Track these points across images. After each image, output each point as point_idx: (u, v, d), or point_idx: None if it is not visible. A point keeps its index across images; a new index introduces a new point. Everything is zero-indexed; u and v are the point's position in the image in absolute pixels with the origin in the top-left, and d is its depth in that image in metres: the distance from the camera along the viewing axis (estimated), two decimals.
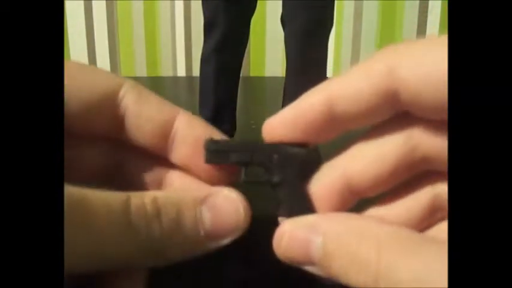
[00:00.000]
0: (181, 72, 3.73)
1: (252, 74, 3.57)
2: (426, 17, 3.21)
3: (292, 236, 0.17)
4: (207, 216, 0.18)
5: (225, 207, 0.18)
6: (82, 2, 3.33)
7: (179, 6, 3.45)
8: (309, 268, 0.17)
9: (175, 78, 3.72)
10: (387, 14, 3.27)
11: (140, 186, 0.21)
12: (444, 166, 0.18)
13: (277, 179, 0.19)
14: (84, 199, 0.15)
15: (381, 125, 0.19)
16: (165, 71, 3.73)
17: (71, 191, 0.15)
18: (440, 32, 3.16)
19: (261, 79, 3.53)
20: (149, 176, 0.21)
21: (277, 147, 0.19)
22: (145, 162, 0.21)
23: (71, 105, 0.18)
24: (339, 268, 0.16)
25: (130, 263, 0.17)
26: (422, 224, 0.19)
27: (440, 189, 0.19)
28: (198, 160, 0.20)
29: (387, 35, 3.30)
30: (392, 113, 0.18)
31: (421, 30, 3.24)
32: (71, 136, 0.20)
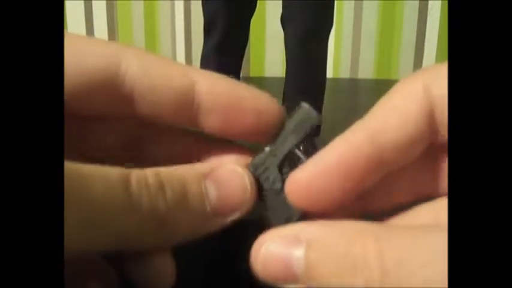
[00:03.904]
0: None
1: (252, 74, 3.57)
2: (426, 17, 3.21)
3: (269, 250, 0.16)
4: (212, 191, 0.17)
5: (231, 181, 0.17)
6: (82, 2, 3.33)
7: (179, 6, 3.45)
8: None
9: None
10: (387, 14, 3.27)
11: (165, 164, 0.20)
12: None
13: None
14: (80, 173, 0.14)
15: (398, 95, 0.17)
16: None
17: (67, 167, 0.14)
18: (440, 32, 3.16)
19: (261, 79, 3.53)
20: (174, 153, 0.20)
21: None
22: (168, 139, 0.20)
23: (67, 89, 0.17)
24: (328, 276, 0.15)
25: (134, 242, 0.16)
26: None
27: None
28: (235, 129, 0.18)
29: (387, 35, 3.30)
30: (429, 141, 0.17)
31: (421, 30, 3.24)
32: (77, 118, 0.18)
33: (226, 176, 0.17)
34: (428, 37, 3.23)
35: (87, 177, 0.14)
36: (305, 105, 0.18)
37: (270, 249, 0.16)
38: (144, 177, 0.16)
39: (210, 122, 0.18)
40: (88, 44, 0.18)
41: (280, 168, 0.18)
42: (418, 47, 3.26)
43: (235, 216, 0.17)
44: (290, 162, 0.18)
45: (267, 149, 0.19)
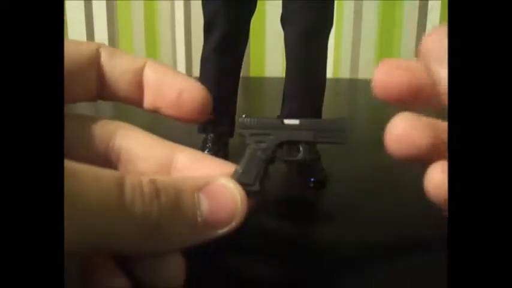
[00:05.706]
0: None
1: (252, 74, 3.57)
2: (426, 17, 3.21)
3: (412, 126, 0.17)
4: (204, 204, 0.18)
5: (222, 196, 0.18)
6: (82, 2, 3.34)
7: (179, 6, 3.45)
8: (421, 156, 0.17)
9: None
10: (387, 14, 3.27)
11: (142, 167, 0.21)
12: None
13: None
14: (75, 172, 0.14)
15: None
16: None
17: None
18: None
19: (261, 79, 3.53)
20: (151, 158, 0.21)
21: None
22: (146, 144, 0.22)
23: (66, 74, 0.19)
24: None
25: (126, 245, 0.16)
26: None
27: None
28: (163, 104, 0.21)
29: (387, 35, 3.30)
30: None
31: (421, 30, 3.24)
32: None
33: (218, 190, 0.18)
34: None
35: (80, 175, 0.15)
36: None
37: (413, 126, 0.17)
38: (139, 183, 0.16)
39: (147, 99, 0.22)
40: (72, 40, 0.21)
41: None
42: (418, 46, 3.26)
43: (224, 230, 0.18)
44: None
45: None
